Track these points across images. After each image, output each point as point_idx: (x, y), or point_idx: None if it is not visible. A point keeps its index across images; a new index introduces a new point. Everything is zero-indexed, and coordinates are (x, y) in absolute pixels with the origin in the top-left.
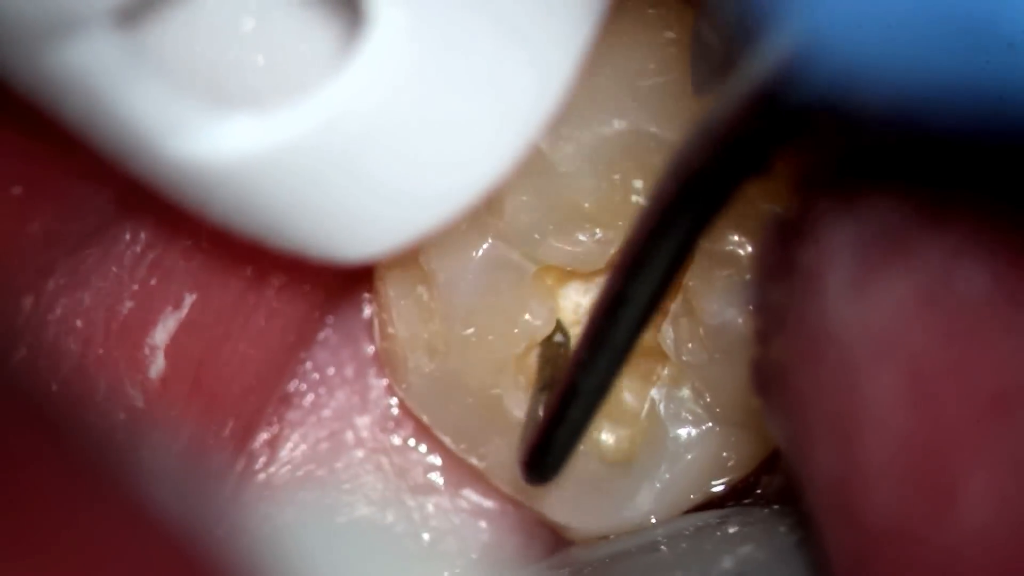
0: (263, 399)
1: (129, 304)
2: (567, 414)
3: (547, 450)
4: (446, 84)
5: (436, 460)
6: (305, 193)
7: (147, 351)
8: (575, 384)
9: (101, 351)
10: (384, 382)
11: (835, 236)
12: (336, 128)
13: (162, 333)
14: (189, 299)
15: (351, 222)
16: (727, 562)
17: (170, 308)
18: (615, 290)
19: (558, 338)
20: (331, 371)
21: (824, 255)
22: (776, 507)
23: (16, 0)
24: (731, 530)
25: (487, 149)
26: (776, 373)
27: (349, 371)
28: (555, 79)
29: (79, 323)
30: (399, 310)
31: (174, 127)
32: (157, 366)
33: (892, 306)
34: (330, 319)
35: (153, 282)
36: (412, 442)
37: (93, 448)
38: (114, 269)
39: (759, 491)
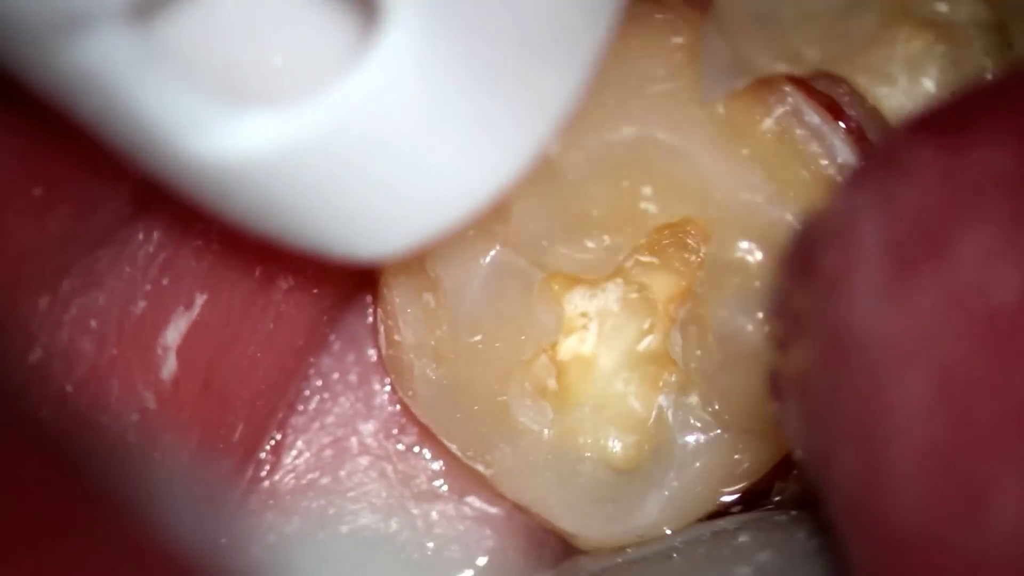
0: (272, 404)
1: (142, 304)
2: None
3: None
4: (461, 84)
5: (440, 467)
6: (319, 191)
7: (159, 351)
8: None
9: (115, 351)
10: (388, 388)
11: (863, 236)
12: (352, 126)
13: (174, 333)
14: (200, 299)
15: (365, 221)
16: (744, 570)
17: (181, 308)
18: None
19: None
20: (335, 376)
21: (851, 256)
22: (794, 513)
23: None
24: (747, 537)
25: (502, 151)
26: (796, 380)
27: (353, 377)
28: (569, 84)
29: (93, 323)
30: (405, 317)
31: (190, 124)
32: (169, 367)
33: (923, 311)
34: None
35: (165, 282)
36: (417, 448)
37: (106, 451)
38: (128, 269)
39: (776, 498)
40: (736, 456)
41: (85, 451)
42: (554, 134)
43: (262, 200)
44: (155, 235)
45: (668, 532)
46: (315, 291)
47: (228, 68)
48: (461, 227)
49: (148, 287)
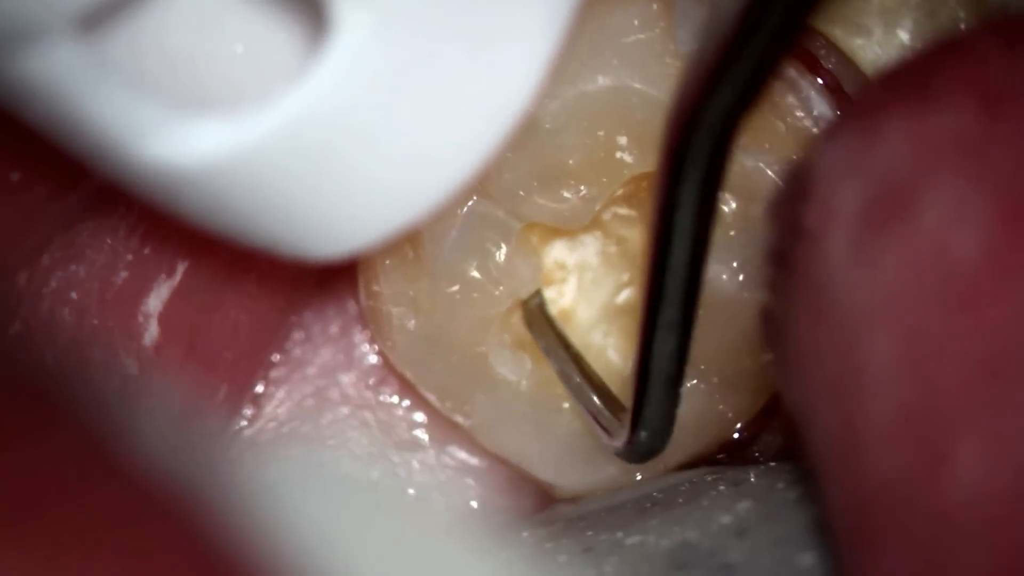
0: (255, 364)
1: (124, 274)
2: (654, 376)
3: (650, 417)
4: (414, 84)
5: (421, 417)
6: (273, 195)
7: (141, 319)
8: (650, 347)
9: (96, 321)
10: (368, 339)
11: (839, 195)
12: (303, 131)
13: (155, 301)
14: (182, 266)
15: (321, 222)
16: (726, 518)
17: (163, 276)
18: (662, 225)
19: (536, 300)
20: (316, 328)
21: (828, 214)
22: (772, 464)
23: None
24: (725, 487)
25: (459, 145)
26: (783, 328)
27: (334, 328)
28: (538, 60)
29: (74, 295)
30: (384, 268)
31: (141, 132)
32: (151, 333)
33: (889, 271)
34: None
35: (147, 251)
36: (396, 399)
37: (88, 417)
38: (109, 241)
39: (756, 448)
40: (714, 407)
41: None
42: (519, 120)
43: (214, 204)
44: (136, 206)
45: (646, 481)
46: None
47: (178, 76)
48: (414, 226)
49: (130, 257)
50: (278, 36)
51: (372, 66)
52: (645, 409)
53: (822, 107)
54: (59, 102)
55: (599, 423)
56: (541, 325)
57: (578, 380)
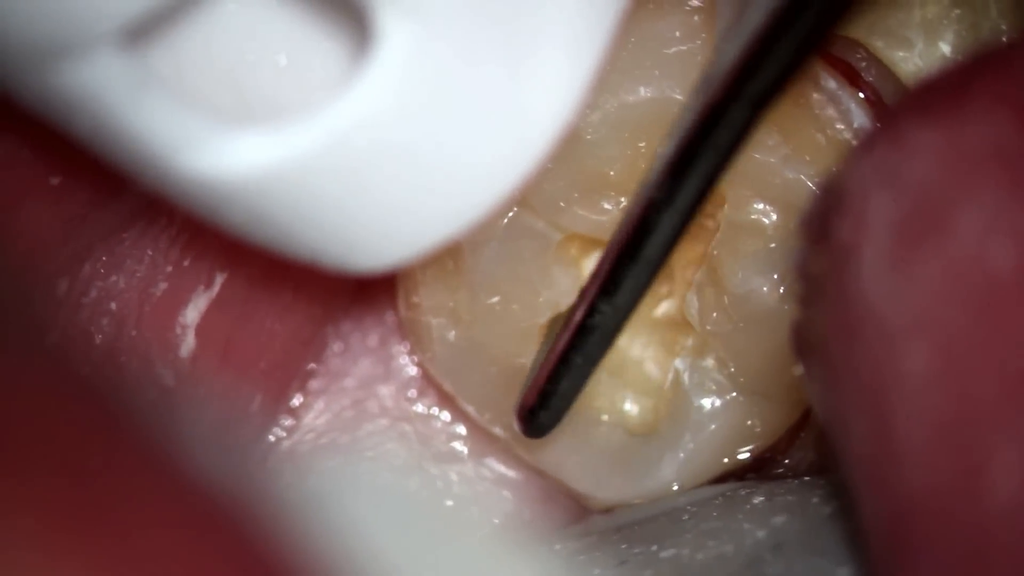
0: (290, 374)
1: (163, 285)
2: (571, 359)
3: (547, 399)
4: (458, 95)
5: (459, 429)
6: (316, 207)
7: (178, 330)
8: (586, 323)
9: (134, 332)
10: (407, 351)
11: (873, 209)
12: (346, 144)
13: (193, 312)
14: (220, 278)
15: (363, 235)
16: (760, 532)
17: (201, 287)
18: (651, 197)
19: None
20: (355, 339)
21: (862, 228)
22: (807, 478)
23: (20, 22)
24: (761, 500)
25: (503, 157)
26: (816, 341)
27: (373, 339)
28: (579, 76)
29: (113, 306)
30: (424, 279)
31: (183, 144)
32: (187, 345)
33: (926, 284)
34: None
35: (187, 263)
36: (435, 410)
37: (126, 424)
38: (150, 252)
39: (787, 462)
40: (751, 419)
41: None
42: (553, 142)
43: (257, 216)
44: (179, 216)
45: (680, 493)
46: None
47: (222, 89)
48: (456, 238)
49: (169, 268)
50: (322, 48)
51: (415, 77)
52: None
53: (862, 119)
54: (103, 114)
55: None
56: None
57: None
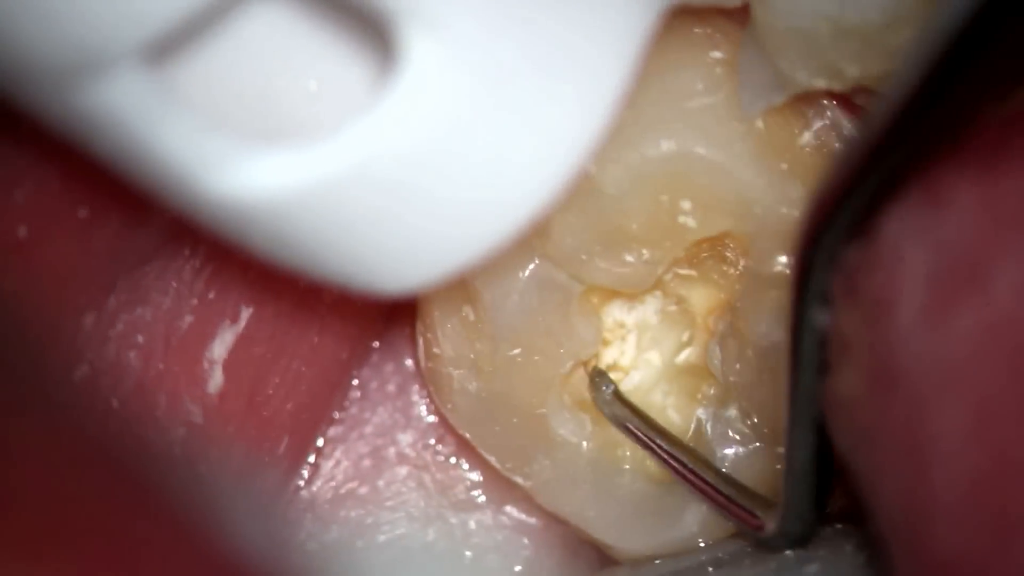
0: (317, 417)
1: (189, 318)
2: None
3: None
4: (483, 118)
5: (478, 477)
6: (341, 228)
7: (206, 365)
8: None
9: (161, 366)
10: (427, 398)
11: (908, 265)
12: (370, 165)
13: (220, 347)
14: (246, 312)
15: (388, 256)
16: None
17: (228, 321)
18: None
19: (607, 390)
20: (373, 386)
21: (896, 284)
22: (839, 526)
23: (44, 41)
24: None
25: (527, 183)
26: (842, 403)
27: (392, 387)
28: (599, 108)
29: (140, 338)
30: (444, 330)
31: (208, 164)
32: (215, 381)
33: (962, 341)
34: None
35: (212, 296)
36: (454, 459)
37: (153, 464)
38: (174, 284)
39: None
40: (774, 470)
41: (135, 463)
42: (586, 161)
43: (283, 237)
44: (201, 248)
45: (707, 544)
46: (359, 304)
47: (248, 109)
48: (484, 261)
49: (195, 301)
50: (347, 69)
51: (440, 99)
52: (791, 500)
53: None
54: (128, 134)
55: (733, 511)
56: (622, 413)
57: (694, 469)
